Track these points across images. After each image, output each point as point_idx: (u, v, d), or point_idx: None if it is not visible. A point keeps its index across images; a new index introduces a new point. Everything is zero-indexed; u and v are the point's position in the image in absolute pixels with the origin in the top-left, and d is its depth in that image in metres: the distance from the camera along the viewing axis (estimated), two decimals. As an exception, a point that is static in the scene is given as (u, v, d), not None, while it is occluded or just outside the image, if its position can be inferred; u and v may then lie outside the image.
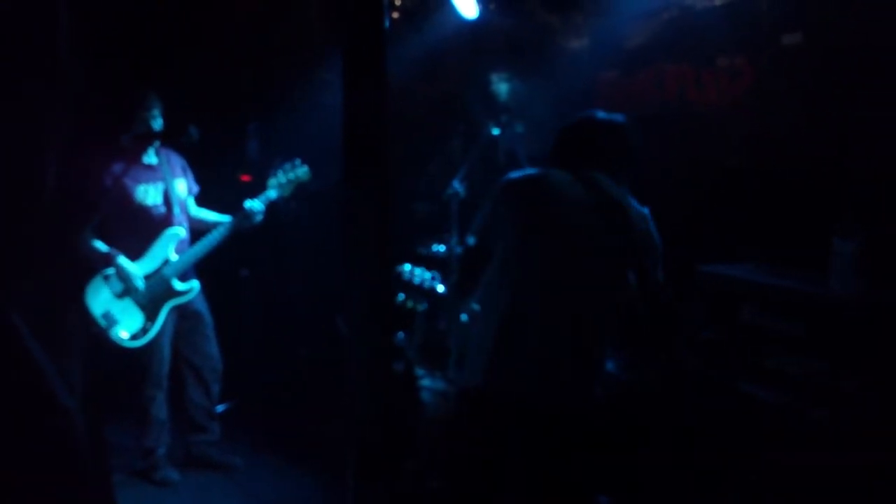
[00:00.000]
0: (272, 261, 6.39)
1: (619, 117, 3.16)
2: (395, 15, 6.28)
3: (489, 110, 5.46)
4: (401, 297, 4.32)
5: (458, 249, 4.63)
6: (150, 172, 4.62)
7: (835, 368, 3.17)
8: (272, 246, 6.27)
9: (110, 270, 4.52)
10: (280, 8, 6.51)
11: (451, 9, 5.23)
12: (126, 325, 4.54)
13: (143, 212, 4.57)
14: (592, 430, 2.92)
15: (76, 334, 2.97)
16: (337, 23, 3.94)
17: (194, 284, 4.72)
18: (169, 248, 4.63)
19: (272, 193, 4.79)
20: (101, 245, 4.51)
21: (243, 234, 4.82)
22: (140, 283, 4.53)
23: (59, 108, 2.66)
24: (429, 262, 4.42)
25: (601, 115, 3.16)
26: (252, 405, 5.75)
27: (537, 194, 3.01)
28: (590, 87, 5.30)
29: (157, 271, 4.61)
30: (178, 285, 4.64)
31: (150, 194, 4.58)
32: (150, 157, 4.64)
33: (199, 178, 4.96)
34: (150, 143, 4.58)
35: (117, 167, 4.47)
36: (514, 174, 3.11)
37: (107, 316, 4.51)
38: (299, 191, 4.93)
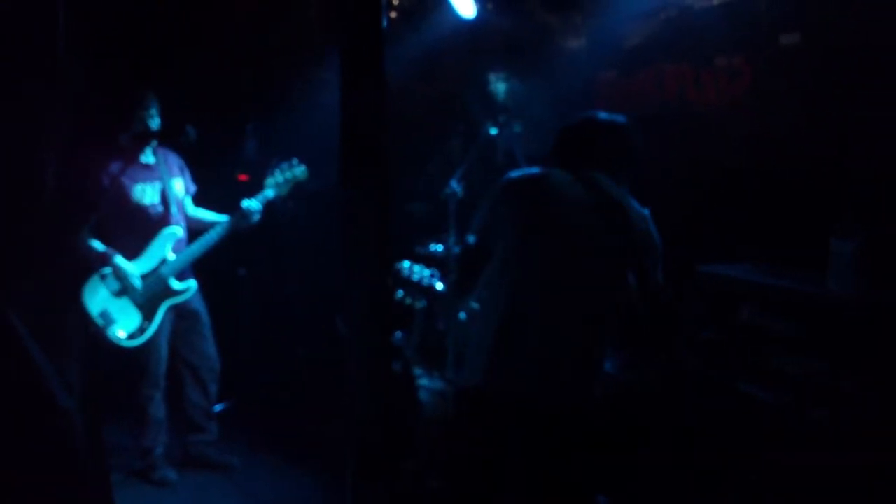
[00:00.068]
0: (270, 260, 6.38)
1: (620, 118, 3.15)
2: (393, 14, 6.28)
3: (487, 110, 5.46)
4: (399, 293, 4.32)
5: (456, 249, 4.62)
6: (148, 172, 4.62)
7: (834, 368, 3.17)
8: (270, 245, 6.27)
9: (107, 270, 4.52)
10: (279, 8, 6.51)
11: (449, 8, 5.23)
12: (123, 325, 4.53)
13: (141, 211, 4.57)
14: (592, 429, 2.91)
15: (75, 334, 2.96)
16: (335, 23, 3.94)
17: (192, 284, 4.72)
18: (166, 248, 4.62)
19: (270, 193, 4.79)
20: (98, 244, 4.51)
21: (241, 234, 4.81)
22: (137, 283, 4.53)
23: (58, 108, 2.66)
24: (426, 261, 4.42)
25: (603, 115, 3.15)
26: (250, 405, 5.74)
27: (537, 194, 3.01)
28: (588, 87, 5.30)
29: (155, 270, 4.60)
30: (176, 285, 4.64)
31: (147, 194, 4.58)
32: (148, 157, 4.63)
33: (197, 177, 4.96)
34: (147, 143, 4.57)
35: (115, 166, 4.46)
36: (515, 173, 3.11)
37: (104, 315, 4.50)
38: (297, 190, 4.93)
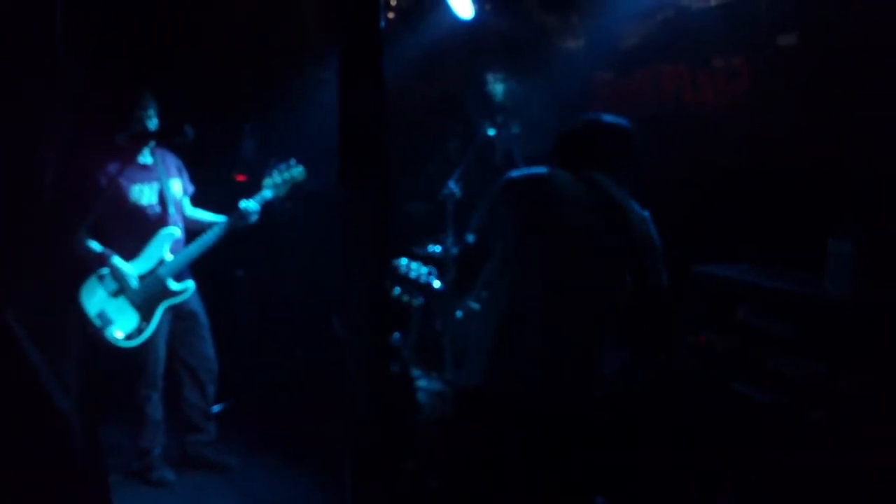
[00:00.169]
0: (268, 261, 6.38)
1: (622, 121, 3.16)
2: (391, 15, 6.28)
3: (485, 111, 5.46)
4: (396, 290, 4.32)
5: (454, 250, 4.62)
6: (146, 172, 4.61)
7: (832, 369, 3.18)
8: (268, 246, 6.26)
9: (105, 270, 4.51)
10: (278, 8, 6.51)
11: (447, 9, 5.23)
12: (121, 325, 4.53)
13: (138, 212, 4.56)
14: (592, 430, 2.91)
15: (73, 335, 2.96)
16: (334, 23, 3.94)
17: (189, 284, 4.71)
18: (164, 248, 4.62)
19: (268, 193, 4.79)
20: (95, 245, 4.50)
21: (239, 235, 4.81)
22: (134, 283, 4.52)
23: (58, 108, 2.66)
24: (424, 262, 4.42)
25: (606, 117, 3.16)
26: (248, 405, 5.74)
27: (538, 194, 3.01)
28: (586, 87, 5.31)
29: (153, 271, 4.60)
30: (174, 285, 4.63)
31: (145, 194, 4.57)
32: (146, 157, 4.63)
33: (195, 177, 4.95)
34: (145, 143, 4.57)
35: (112, 167, 4.45)
36: (515, 173, 3.11)
37: (102, 316, 4.49)
38: (295, 191, 4.93)
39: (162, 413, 4.78)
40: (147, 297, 4.57)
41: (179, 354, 4.84)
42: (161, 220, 4.63)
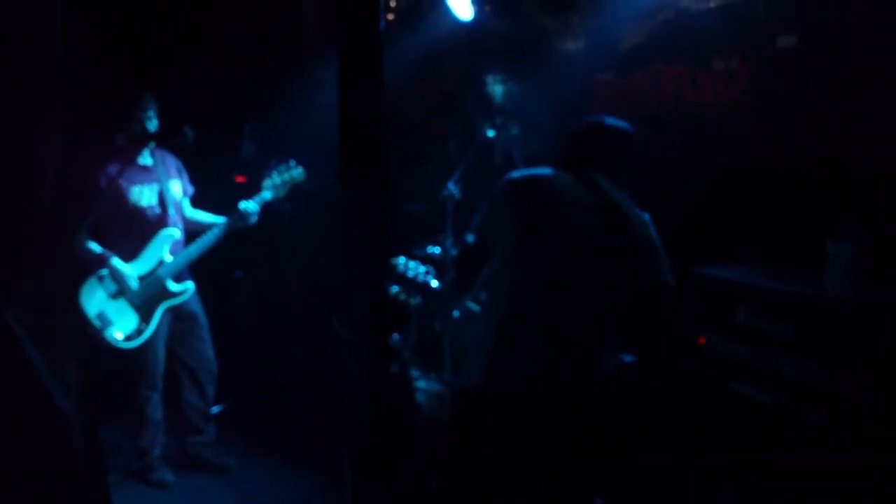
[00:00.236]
0: (267, 262, 6.38)
1: (624, 124, 3.16)
2: (391, 16, 6.28)
3: (485, 112, 5.46)
4: (394, 289, 4.33)
5: (454, 251, 4.63)
6: (145, 173, 4.61)
7: (832, 369, 3.18)
8: (267, 247, 6.26)
9: (104, 271, 4.51)
10: (277, 8, 6.51)
11: (447, 10, 5.23)
12: (121, 326, 4.53)
13: (138, 213, 4.56)
14: (592, 430, 2.91)
15: (72, 335, 2.96)
16: (334, 23, 3.94)
17: (189, 286, 4.71)
18: (164, 250, 4.62)
19: (267, 194, 4.79)
20: (94, 246, 4.50)
21: (238, 236, 4.81)
22: (134, 284, 4.53)
23: (58, 108, 2.66)
24: (423, 262, 4.43)
25: (609, 120, 3.16)
26: (247, 406, 5.74)
27: (538, 194, 3.02)
28: (586, 88, 5.30)
29: (152, 272, 4.60)
30: (173, 286, 4.63)
31: (144, 195, 4.57)
32: (146, 159, 4.63)
33: (195, 178, 4.95)
34: (145, 144, 4.57)
35: (112, 168, 4.45)
36: (515, 174, 3.11)
37: (101, 317, 4.49)
38: (294, 192, 4.93)
39: (161, 414, 4.79)
40: (147, 298, 4.57)
41: (179, 355, 4.85)
42: (161, 222, 4.63)
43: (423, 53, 5.94)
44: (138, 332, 4.55)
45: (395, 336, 4.92)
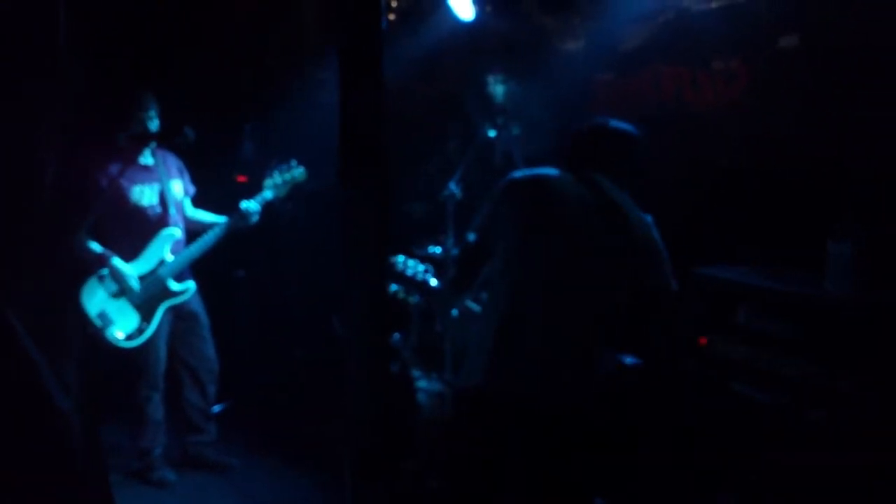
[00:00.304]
0: (268, 262, 6.38)
1: (629, 126, 3.17)
2: (392, 16, 6.28)
3: (485, 112, 5.46)
4: (393, 287, 4.34)
5: (455, 251, 4.63)
6: (146, 173, 4.62)
7: (832, 369, 3.18)
8: (268, 247, 6.26)
9: (105, 271, 4.51)
10: (278, 8, 6.51)
11: (448, 11, 5.23)
12: (121, 326, 4.53)
13: (139, 212, 4.57)
14: (592, 430, 2.91)
15: (73, 335, 2.96)
16: (335, 22, 3.94)
17: (190, 285, 4.72)
18: (164, 249, 4.62)
19: (268, 194, 4.79)
20: (95, 246, 4.50)
21: (239, 235, 4.82)
22: (135, 284, 4.53)
23: (58, 108, 2.66)
24: (423, 262, 4.44)
25: (613, 122, 3.16)
26: (248, 406, 5.74)
27: (540, 194, 3.02)
28: (586, 88, 5.30)
29: (153, 272, 4.60)
30: (174, 286, 4.64)
31: (145, 195, 4.58)
32: (147, 158, 4.63)
33: (196, 178, 4.95)
34: (146, 144, 4.57)
35: (113, 168, 4.46)
36: (517, 173, 3.11)
37: (102, 316, 4.50)
38: (295, 191, 4.93)
39: (162, 413, 4.79)
40: (148, 297, 4.58)
41: (180, 355, 4.85)
42: (162, 221, 4.63)
43: (424, 53, 5.94)
44: (139, 331, 4.56)
45: (396, 336, 4.92)
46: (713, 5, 4.43)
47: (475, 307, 3.48)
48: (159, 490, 4.70)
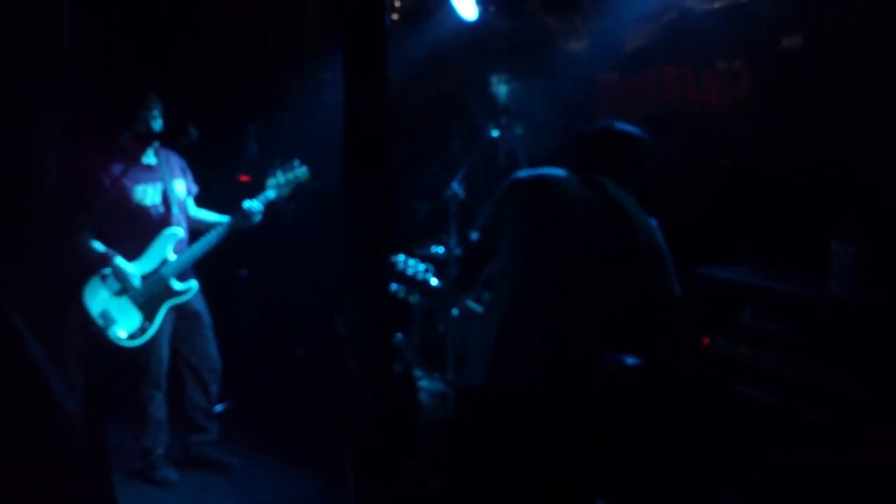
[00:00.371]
0: (271, 261, 6.38)
1: (635, 129, 3.17)
2: (395, 17, 6.28)
3: (489, 112, 5.46)
4: (393, 287, 4.34)
5: (457, 251, 4.63)
6: (149, 173, 4.62)
7: (832, 370, 3.18)
8: (271, 246, 6.26)
9: (108, 270, 4.52)
10: (279, 8, 6.51)
11: (451, 10, 5.23)
12: (124, 325, 4.54)
13: (142, 212, 4.57)
14: (593, 430, 2.91)
15: (75, 334, 2.96)
16: (337, 22, 3.95)
17: (193, 284, 4.72)
18: (167, 248, 4.63)
19: (271, 194, 4.80)
20: (98, 245, 4.51)
21: (242, 235, 4.82)
22: (137, 283, 4.53)
23: (58, 108, 2.66)
24: (424, 261, 4.45)
25: (619, 124, 3.16)
26: (250, 405, 5.75)
27: (544, 194, 3.01)
28: (590, 88, 5.30)
29: (156, 271, 4.60)
30: (177, 285, 4.64)
31: (148, 194, 4.58)
32: (150, 158, 4.64)
33: (198, 177, 4.96)
34: (149, 144, 4.58)
35: (116, 167, 4.46)
36: (521, 174, 3.11)
37: (105, 315, 4.50)
38: (298, 191, 4.93)
39: (165, 412, 4.79)
40: (150, 296, 4.58)
41: (182, 354, 4.86)
42: (164, 221, 4.64)
43: (428, 53, 5.94)
44: (142, 330, 4.56)
45: (399, 336, 4.92)
46: (716, 5, 4.43)
47: (477, 307, 3.48)
48: (161, 489, 4.71)
